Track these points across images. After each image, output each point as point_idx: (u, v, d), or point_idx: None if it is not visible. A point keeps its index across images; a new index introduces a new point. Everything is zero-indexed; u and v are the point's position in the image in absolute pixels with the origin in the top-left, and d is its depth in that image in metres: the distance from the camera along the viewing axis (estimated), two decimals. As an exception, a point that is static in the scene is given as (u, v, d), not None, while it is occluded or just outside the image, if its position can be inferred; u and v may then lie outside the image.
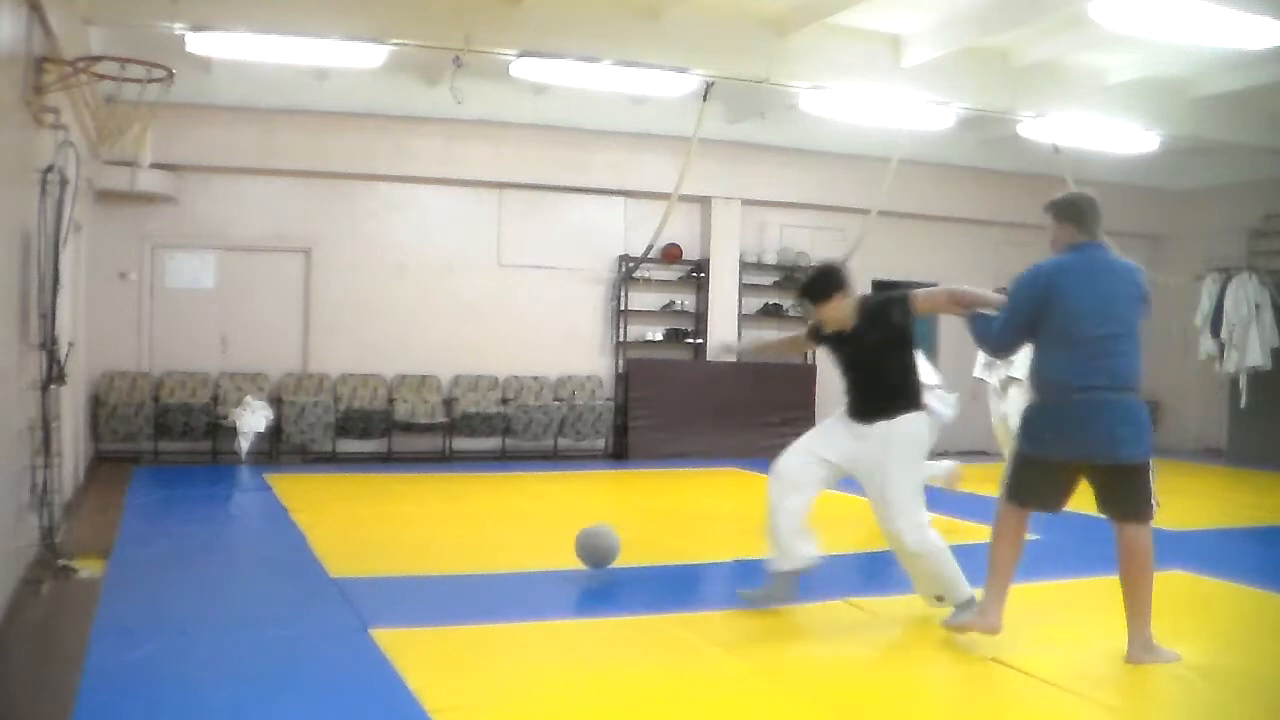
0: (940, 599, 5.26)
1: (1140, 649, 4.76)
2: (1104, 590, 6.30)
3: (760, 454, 12.70)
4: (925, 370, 6.27)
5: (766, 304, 13.35)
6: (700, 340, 13.13)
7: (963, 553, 5.37)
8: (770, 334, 12.73)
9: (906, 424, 5.27)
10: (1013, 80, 10.70)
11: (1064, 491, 4.88)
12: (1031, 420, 4.91)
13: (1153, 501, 4.85)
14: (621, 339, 12.88)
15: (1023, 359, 6.52)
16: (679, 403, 12.57)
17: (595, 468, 12.12)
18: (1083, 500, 9.01)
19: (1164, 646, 4.80)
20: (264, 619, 5.39)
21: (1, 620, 4.99)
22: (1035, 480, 4.88)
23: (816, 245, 13.28)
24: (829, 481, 5.49)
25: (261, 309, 11.59)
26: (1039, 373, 4.92)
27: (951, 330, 14.10)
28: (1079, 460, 4.75)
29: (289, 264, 11.72)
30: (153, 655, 4.58)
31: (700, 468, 11.66)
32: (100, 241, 10.56)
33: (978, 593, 5.06)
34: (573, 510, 9.17)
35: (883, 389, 5.32)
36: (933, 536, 5.21)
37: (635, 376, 12.71)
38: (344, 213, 11.81)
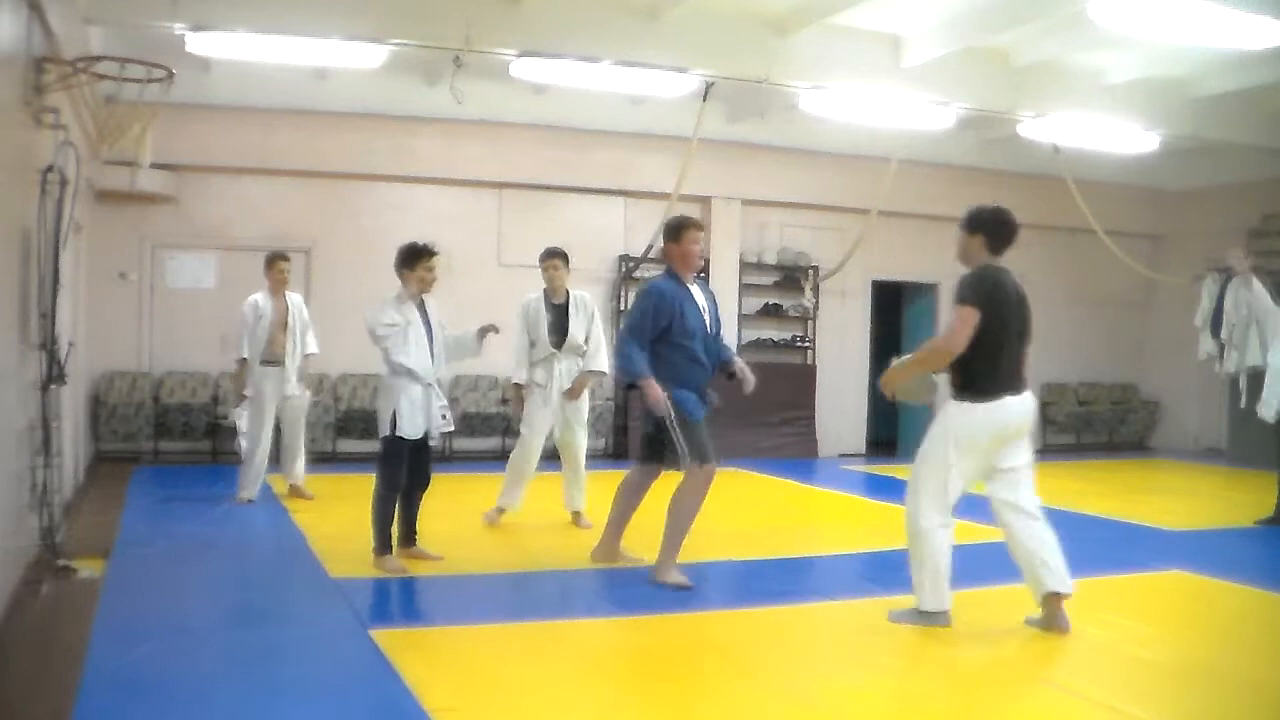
0: None
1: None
2: (1103, 590, 6.31)
3: (760, 454, 12.74)
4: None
5: (766, 304, 13.34)
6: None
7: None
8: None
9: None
10: (1013, 80, 10.70)
11: None
12: None
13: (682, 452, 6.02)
14: (621, 339, 12.86)
15: None
16: (679, 403, 12.54)
17: (595, 468, 12.05)
18: (1082, 500, 9.02)
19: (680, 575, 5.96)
20: (264, 619, 5.39)
21: (1, 620, 4.98)
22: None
23: (816, 245, 13.29)
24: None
25: (261, 309, 11.58)
26: None
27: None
28: None
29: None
30: (153, 655, 4.58)
31: (700, 468, 11.64)
32: (100, 241, 10.56)
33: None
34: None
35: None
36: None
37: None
38: (344, 213, 11.80)
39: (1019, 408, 5.09)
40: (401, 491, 6.46)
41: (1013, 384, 5.08)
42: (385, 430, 6.34)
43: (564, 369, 7.86)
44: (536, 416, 7.90)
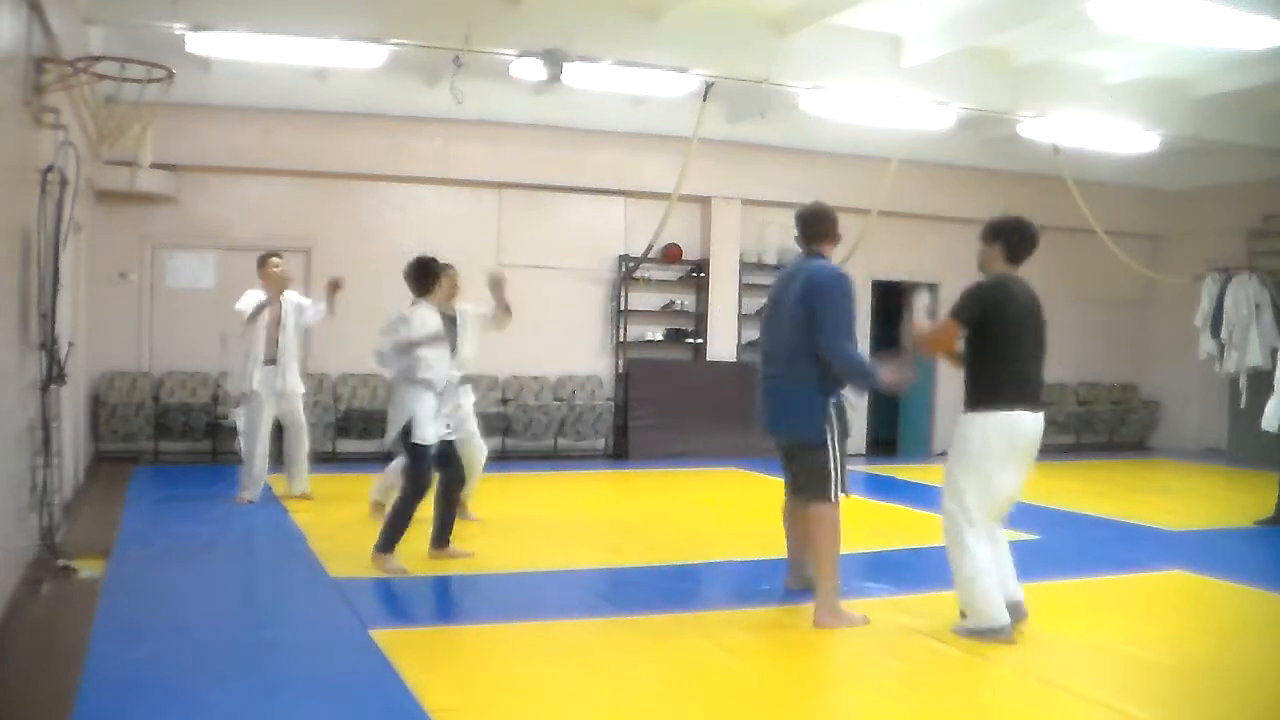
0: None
1: (824, 612, 5.28)
2: (1103, 590, 6.32)
3: (760, 454, 12.64)
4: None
5: (766, 304, 13.35)
6: (700, 340, 13.13)
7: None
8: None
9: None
10: (1013, 80, 10.69)
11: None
12: None
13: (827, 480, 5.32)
14: (621, 339, 12.87)
15: None
16: (679, 403, 12.57)
17: (595, 468, 12.12)
18: (1081, 500, 9.00)
19: (852, 611, 5.32)
20: (264, 619, 5.40)
21: (1, 620, 4.98)
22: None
23: (816, 245, 13.26)
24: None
25: (261, 309, 11.58)
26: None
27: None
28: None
29: (289, 264, 11.69)
30: (153, 655, 4.59)
31: (700, 468, 11.67)
32: (100, 241, 10.56)
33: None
34: (572, 510, 9.17)
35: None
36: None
37: (635, 376, 12.70)
38: (344, 213, 11.80)
39: (1031, 423, 5.01)
40: (440, 492, 6.57)
41: (1024, 398, 5.00)
42: (398, 437, 6.39)
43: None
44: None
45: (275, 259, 8.89)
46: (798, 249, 5.74)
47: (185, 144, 10.64)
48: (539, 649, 4.88)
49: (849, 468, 5.61)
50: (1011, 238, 5.16)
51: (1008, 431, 4.95)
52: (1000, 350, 4.98)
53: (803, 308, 5.33)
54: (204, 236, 11.41)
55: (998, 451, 4.94)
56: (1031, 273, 5.36)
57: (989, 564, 4.98)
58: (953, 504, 5.04)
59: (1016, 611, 5.13)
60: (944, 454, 5.52)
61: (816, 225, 5.60)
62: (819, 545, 5.36)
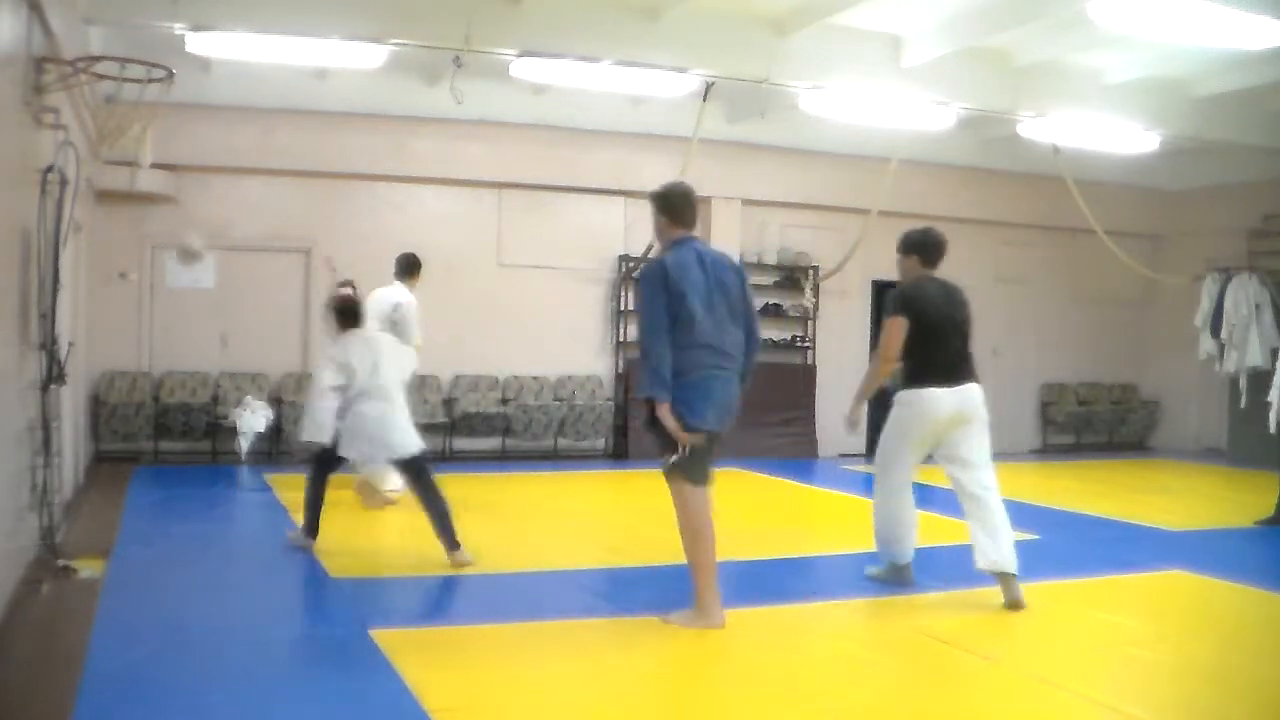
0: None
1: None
2: (1103, 590, 6.32)
3: (760, 454, 12.72)
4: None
5: (766, 304, 13.33)
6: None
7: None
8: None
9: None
10: (1013, 80, 10.70)
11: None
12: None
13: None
14: (621, 339, 12.87)
15: None
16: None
17: (595, 468, 12.12)
18: (1082, 500, 8.98)
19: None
20: (264, 619, 5.39)
21: (1, 620, 4.98)
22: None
23: (817, 245, 13.28)
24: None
25: (261, 309, 11.59)
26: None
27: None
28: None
29: (289, 264, 11.71)
30: (153, 655, 4.59)
31: (700, 468, 11.64)
32: (100, 241, 10.56)
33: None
34: (572, 510, 9.18)
35: None
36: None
37: (635, 377, 12.70)
38: (344, 213, 11.80)
39: (948, 398, 5.78)
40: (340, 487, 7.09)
41: (942, 377, 5.79)
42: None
43: None
44: None
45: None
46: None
47: (185, 144, 10.63)
48: (539, 649, 4.88)
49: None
50: (924, 248, 6.06)
51: (921, 406, 5.83)
52: (918, 340, 5.79)
53: (743, 298, 5.30)
54: (204, 237, 11.40)
55: (915, 422, 5.87)
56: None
57: (898, 512, 6.07)
58: (882, 460, 6.11)
59: (1011, 591, 5.62)
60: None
61: (693, 207, 5.37)
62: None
